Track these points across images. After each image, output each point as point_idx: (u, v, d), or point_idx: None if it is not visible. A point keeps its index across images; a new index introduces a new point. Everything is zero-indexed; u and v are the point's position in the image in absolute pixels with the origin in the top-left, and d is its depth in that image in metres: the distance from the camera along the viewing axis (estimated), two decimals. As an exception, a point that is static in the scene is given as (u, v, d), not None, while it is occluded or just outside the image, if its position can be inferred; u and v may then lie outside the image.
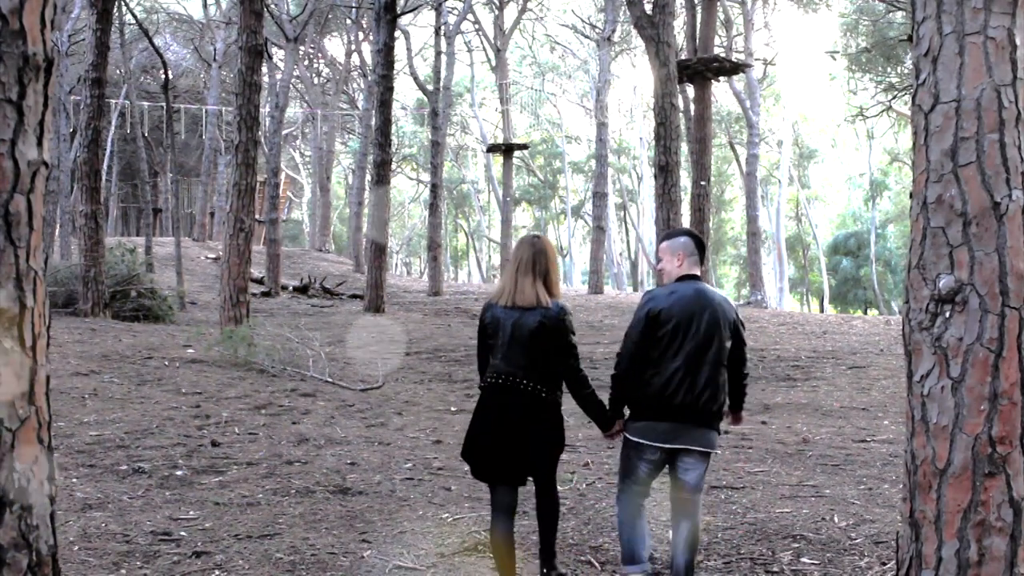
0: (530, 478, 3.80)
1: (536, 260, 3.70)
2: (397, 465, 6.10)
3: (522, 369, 3.64)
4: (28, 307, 2.10)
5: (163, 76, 21.12)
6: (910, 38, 9.03)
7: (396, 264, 56.09)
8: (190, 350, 10.88)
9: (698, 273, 3.84)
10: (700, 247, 3.87)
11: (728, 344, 3.73)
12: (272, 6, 24.03)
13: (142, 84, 34.01)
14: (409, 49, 31.00)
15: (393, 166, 31.49)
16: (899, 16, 23.68)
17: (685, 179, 23.96)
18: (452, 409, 8.82)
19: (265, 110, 26.47)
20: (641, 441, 3.70)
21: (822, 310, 39.52)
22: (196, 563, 4.04)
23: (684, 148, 20.55)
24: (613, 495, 5.22)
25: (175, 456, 6.03)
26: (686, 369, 3.63)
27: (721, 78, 22.46)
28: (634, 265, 49.24)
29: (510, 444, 3.62)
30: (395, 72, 22.11)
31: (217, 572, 3.95)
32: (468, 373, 11.03)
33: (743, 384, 3.91)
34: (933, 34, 2.88)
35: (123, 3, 21.58)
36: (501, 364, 3.66)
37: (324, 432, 7.10)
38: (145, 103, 31.43)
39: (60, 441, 6.07)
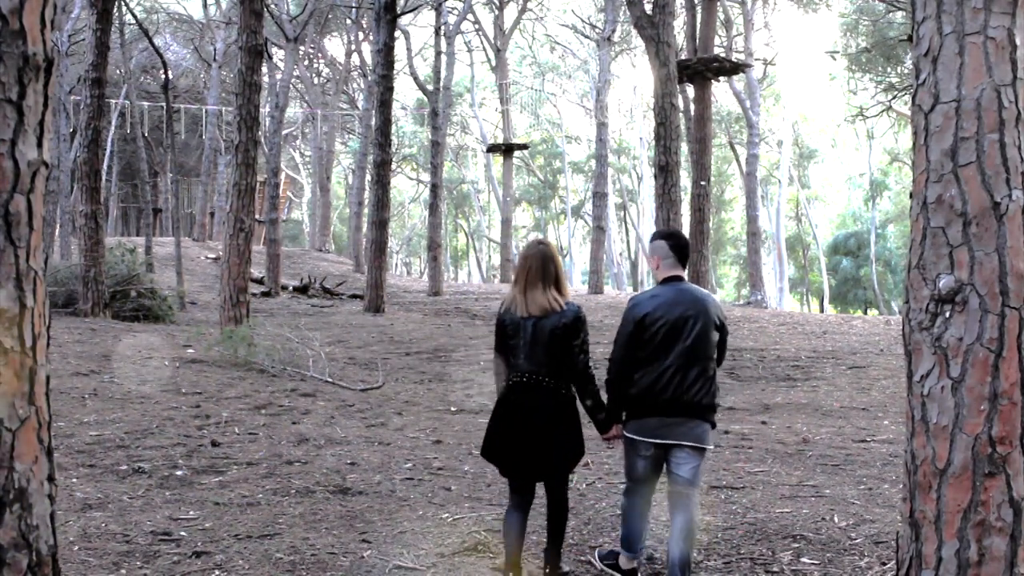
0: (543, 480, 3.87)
1: (546, 268, 3.77)
2: (397, 465, 6.10)
3: (544, 367, 3.73)
4: (28, 307, 2.10)
5: (163, 76, 21.12)
6: (910, 38, 9.03)
7: (396, 264, 56.10)
8: (190, 350, 10.88)
9: (679, 274, 3.94)
10: (677, 248, 3.95)
11: (715, 338, 3.86)
12: (272, 6, 24.02)
13: (142, 84, 34.01)
14: (409, 49, 31.00)
15: (393, 166, 31.48)
16: (899, 16, 23.68)
17: (685, 179, 23.99)
18: (452, 409, 8.82)
19: (265, 110, 26.48)
20: (634, 437, 3.85)
21: (822, 310, 39.52)
22: (196, 563, 4.04)
23: (684, 148, 20.56)
24: (613, 495, 5.24)
25: (175, 456, 6.03)
26: (677, 367, 3.75)
27: (721, 78, 22.47)
28: (634, 265, 49.25)
29: (534, 441, 3.70)
30: (395, 72, 22.11)
31: (217, 572, 3.95)
32: (468, 373, 11.03)
33: None
34: (933, 34, 2.88)
35: (123, 3, 21.58)
36: (524, 363, 3.74)
37: (324, 432, 7.10)
38: (145, 103, 31.43)
39: (60, 441, 6.06)
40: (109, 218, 35.07)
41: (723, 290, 50.59)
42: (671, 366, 3.74)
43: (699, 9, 20.31)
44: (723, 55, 21.56)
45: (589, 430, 3.96)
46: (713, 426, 3.87)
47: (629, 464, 3.94)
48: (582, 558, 4.26)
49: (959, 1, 2.81)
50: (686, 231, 17.24)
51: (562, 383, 3.75)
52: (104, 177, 17.17)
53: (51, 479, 2.20)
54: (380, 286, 18.28)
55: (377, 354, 12.33)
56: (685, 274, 3.98)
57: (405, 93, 43.47)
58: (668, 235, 4.02)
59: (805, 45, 59.98)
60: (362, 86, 36.64)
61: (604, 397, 3.94)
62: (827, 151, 47.57)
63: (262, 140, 22.87)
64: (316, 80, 40.46)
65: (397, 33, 21.98)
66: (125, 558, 4.07)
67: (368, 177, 25.91)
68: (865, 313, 38.69)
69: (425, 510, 4.98)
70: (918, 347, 2.92)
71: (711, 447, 3.94)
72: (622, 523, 4.02)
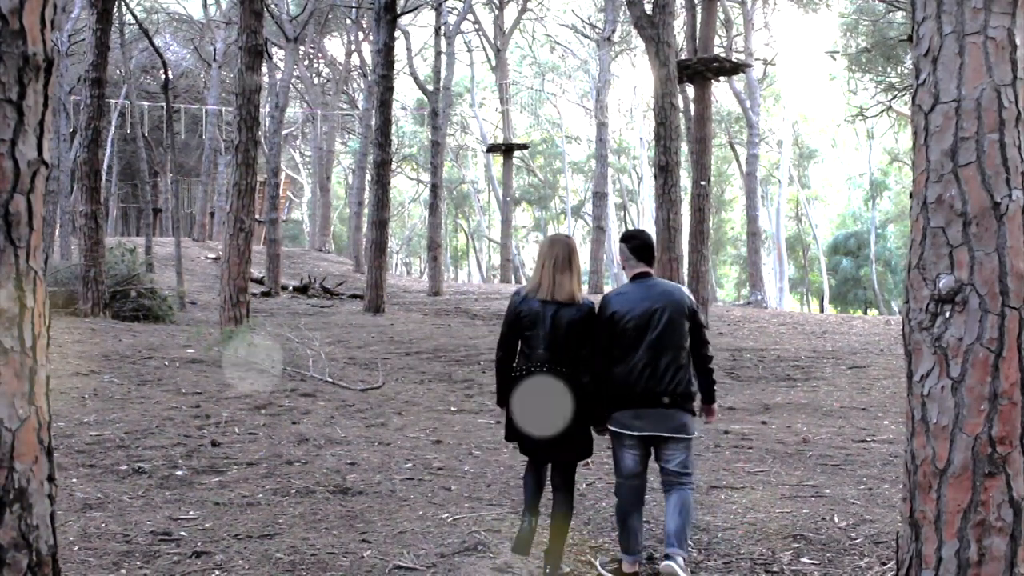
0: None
1: (571, 259, 3.97)
2: (397, 465, 6.10)
3: (561, 357, 3.89)
4: (28, 307, 2.10)
5: (163, 76, 21.12)
6: (910, 38, 9.03)
7: (396, 264, 56.08)
8: (190, 350, 10.87)
9: (645, 270, 4.08)
10: (636, 249, 4.10)
11: (686, 326, 3.96)
12: (272, 6, 24.02)
13: (142, 84, 34.00)
14: (409, 49, 30.99)
15: (393, 166, 31.46)
16: (899, 16, 23.68)
17: (685, 179, 23.98)
18: (452, 409, 8.82)
19: (265, 110, 26.47)
20: (616, 430, 3.99)
21: (822, 310, 39.50)
22: (196, 563, 4.04)
23: (684, 148, 20.55)
24: (613, 495, 5.24)
25: (175, 456, 6.03)
26: (647, 358, 3.88)
27: (721, 78, 22.43)
28: (634, 265, 49.12)
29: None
30: (395, 72, 22.11)
31: (217, 572, 3.94)
32: (468, 373, 11.03)
33: (709, 369, 4.08)
34: (933, 34, 2.88)
35: (123, 3, 21.58)
36: (543, 353, 3.90)
37: (324, 432, 7.10)
38: (145, 103, 31.42)
39: (60, 441, 6.06)
40: (109, 218, 35.06)
41: (723, 290, 50.57)
42: (641, 359, 3.88)
43: (699, 9, 20.28)
44: (723, 55, 21.54)
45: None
46: (693, 414, 3.97)
47: (616, 459, 4.07)
48: (582, 558, 4.26)
49: (959, 1, 2.82)
50: (686, 231, 17.23)
51: (576, 372, 3.90)
52: (104, 177, 17.17)
53: (51, 479, 2.20)
54: (380, 286, 18.28)
55: (377, 354, 12.33)
56: (653, 270, 4.12)
57: (405, 93, 43.48)
58: (628, 237, 4.18)
59: (805, 45, 60.06)
60: (362, 86, 36.64)
61: None
62: (827, 151, 47.57)
63: (262, 140, 22.87)
64: (316, 80, 40.45)
65: (397, 33, 21.98)
66: (125, 558, 4.07)
67: (368, 177, 25.91)
68: (865, 313, 38.68)
69: (425, 510, 4.98)
70: (918, 347, 2.92)
71: (694, 435, 4.03)
72: (617, 523, 4.08)
